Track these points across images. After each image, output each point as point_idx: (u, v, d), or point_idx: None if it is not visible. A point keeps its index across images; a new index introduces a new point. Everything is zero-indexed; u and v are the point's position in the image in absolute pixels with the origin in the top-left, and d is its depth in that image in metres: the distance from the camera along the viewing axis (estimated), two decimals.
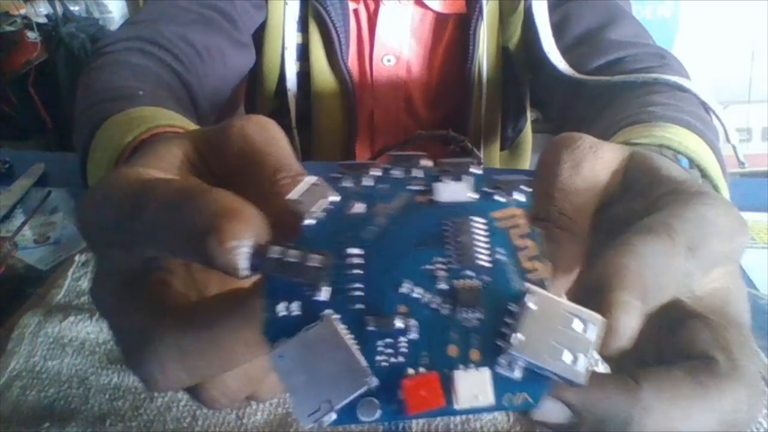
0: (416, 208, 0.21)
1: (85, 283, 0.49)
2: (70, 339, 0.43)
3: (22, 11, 1.98)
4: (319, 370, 0.18)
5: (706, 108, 0.53)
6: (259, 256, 0.18)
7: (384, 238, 0.20)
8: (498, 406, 0.18)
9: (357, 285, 0.19)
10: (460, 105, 0.77)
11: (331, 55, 0.73)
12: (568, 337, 0.18)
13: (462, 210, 0.20)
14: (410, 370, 0.18)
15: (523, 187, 0.20)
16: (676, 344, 0.22)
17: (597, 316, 0.18)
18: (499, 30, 0.74)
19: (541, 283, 0.19)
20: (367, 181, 0.21)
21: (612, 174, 0.25)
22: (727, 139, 0.54)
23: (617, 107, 0.53)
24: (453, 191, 0.21)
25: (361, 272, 0.20)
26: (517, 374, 0.18)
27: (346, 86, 0.74)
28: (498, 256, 0.20)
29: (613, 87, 0.59)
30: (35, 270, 0.52)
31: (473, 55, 0.72)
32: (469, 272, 0.19)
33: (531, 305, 0.18)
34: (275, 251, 0.18)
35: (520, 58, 0.76)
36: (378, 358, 0.19)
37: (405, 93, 0.77)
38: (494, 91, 0.77)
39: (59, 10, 2.02)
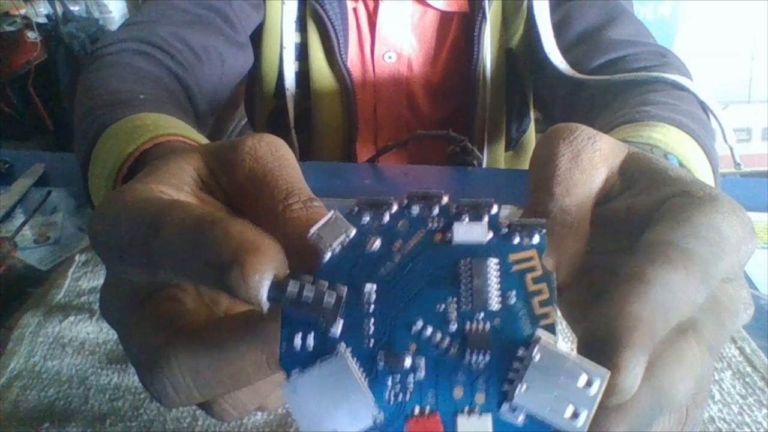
0: (433, 246, 0.21)
1: (85, 283, 0.49)
2: (70, 339, 0.43)
3: (22, 11, 1.98)
4: (328, 402, 0.19)
5: (704, 108, 0.53)
6: (277, 288, 0.19)
7: (400, 276, 0.20)
8: None
9: (371, 321, 0.20)
10: (463, 104, 0.77)
11: (330, 54, 0.73)
12: (572, 392, 0.18)
13: (479, 251, 0.20)
14: (416, 409, 0.19)
15: (540, 228, 0.21)
16: None
17: (602, 371, 0.18)
18: (502, 30, 0.74)
19: (552, 330, 0.19)
20: (385, 218, 0.21)
21: (611, 167, 0.24)
22: (725, 140, 0.54)
23: (615, 107, 0.53)
24: (471, 231, 0.21)
25: (376, 308, 0.20)
26: (520, 420, 0.19)
27: (345, 85, 0.74)
28: (510, 300, 0.20)
29: (613, 86, 0.59)
30: (35, 270, 0.52)
31: (478, 56, 0.72)
32: (480, 315, 0.20)
33: (537, 356, 0.18)
34: (293, 286, 0.19)
35: (523, 58, 0.76)
36: (386, 394, 0.19)
37: (407, 89, 0.78)
38: (498, 92, 0.77)
39: (59, 10, 2.02)
